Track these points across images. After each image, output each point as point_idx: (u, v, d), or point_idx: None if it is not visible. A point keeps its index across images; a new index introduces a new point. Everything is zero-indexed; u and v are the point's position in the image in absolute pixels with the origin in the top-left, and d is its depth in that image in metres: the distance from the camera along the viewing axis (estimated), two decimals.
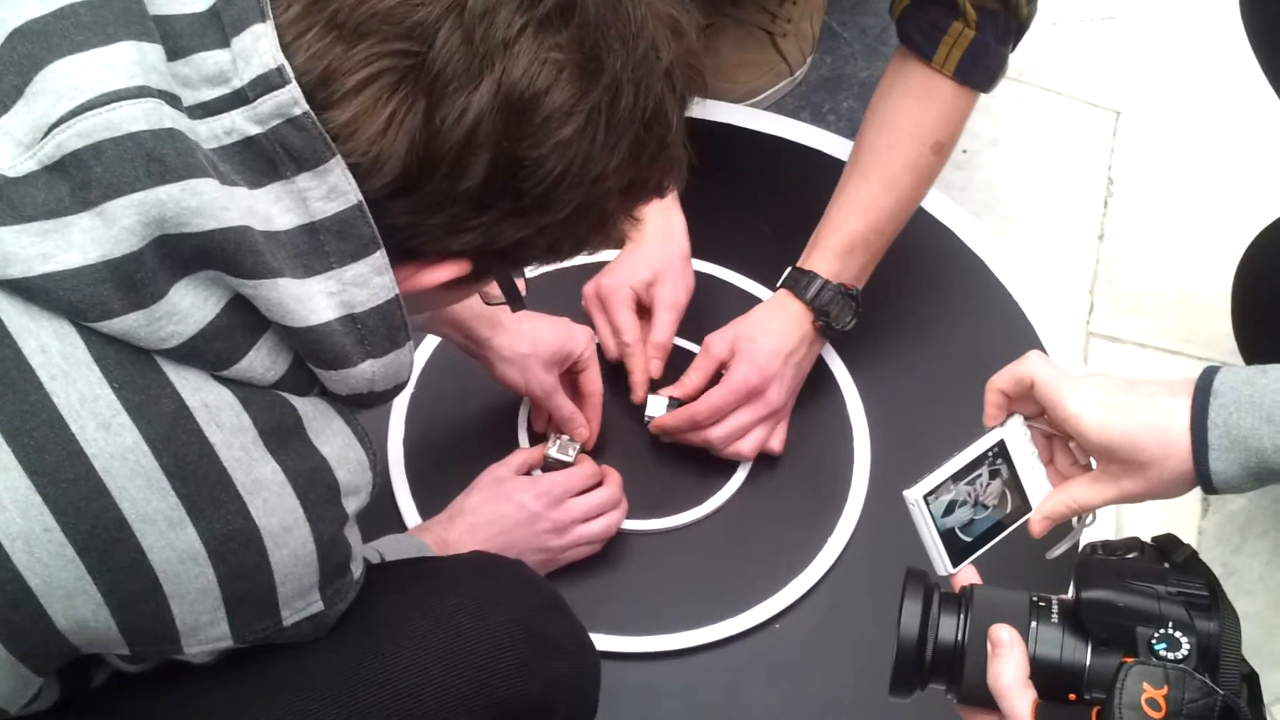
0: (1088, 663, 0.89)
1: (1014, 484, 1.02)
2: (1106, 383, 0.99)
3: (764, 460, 1.49)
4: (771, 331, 1.45)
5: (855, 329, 1.49)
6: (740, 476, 1.49)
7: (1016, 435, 1.02)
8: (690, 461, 1.49)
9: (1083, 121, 1.93)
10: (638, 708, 1.36)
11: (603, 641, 1.37)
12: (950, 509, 0.99)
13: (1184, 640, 0.86)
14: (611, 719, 1.33)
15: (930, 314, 1.66)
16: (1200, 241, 1.79)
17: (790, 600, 1.41)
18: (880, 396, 1.56)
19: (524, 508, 1.34)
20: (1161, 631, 0.86)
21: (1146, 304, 1.75)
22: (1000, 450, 1.01)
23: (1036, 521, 1.02)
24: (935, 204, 1.74)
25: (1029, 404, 1.02)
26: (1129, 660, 0.85)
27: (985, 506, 1.01)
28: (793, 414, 1.50)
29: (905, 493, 0.98)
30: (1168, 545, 0.93)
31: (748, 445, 1.46)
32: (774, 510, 1.48)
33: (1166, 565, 0.91)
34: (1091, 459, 1.02)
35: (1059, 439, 1.04)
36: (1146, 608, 0.88)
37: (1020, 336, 1.63)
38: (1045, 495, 1.03)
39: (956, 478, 0.99)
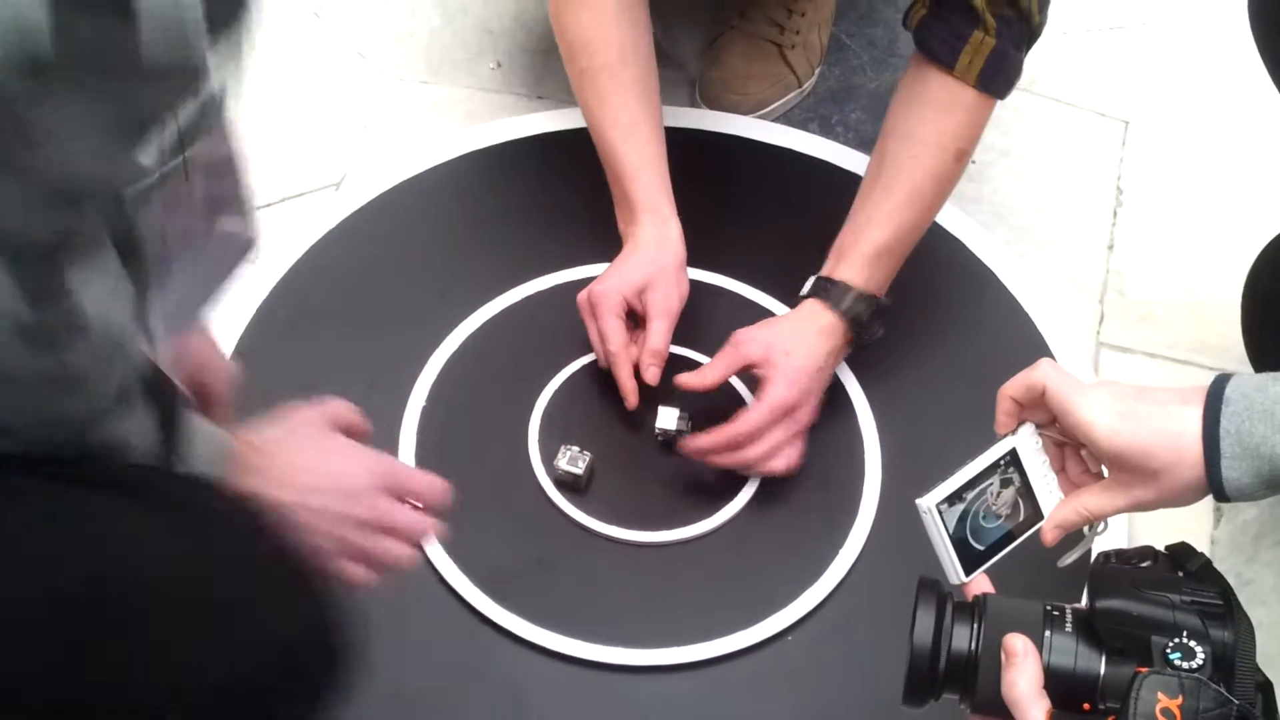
0: (1102, 672, 0.88)
1: (1026, 492, 1.02)
2: (1118, 390, 0.98)
3: None
4: (807, 347, 1.44)
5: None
6: (751, 488, 1.49)
7: (1028, 443, 1.02)
8: (700, 473, 1.49)
9: (1092, 131, 1.93)
10: None
11: (615, 655, 1.37)
12: (962, 518, 0.99)
13: (1199, 649, 0.85)
14: None
15: (940, 325, 1.65)
16: (1210, 251, 1.79)
17: (803, 612, 1.41)
18: (891, 407, 1.56)
19: (343, 478, 1.09)
20: (1176, 641, 0.86)
21: (1157, 314, 1.74)
22: (1012, 458, 1.01)
23: (1048, 530, 1.02)
24: (945, 215, 1.74)
25: (1040, 412, 1.02)
26: (1143, 670, 0.84)
27: (997, 515, 1.01)
28: None
29: (918, 501, 0.98)
30: (1181, 554, 0.93)
31: (781, 462, 1.44)
32: (786, 521, 1.48)
33: (1180, 574, 0.91)
34: (1103, 467, 1.02)
35: (1070, 447, 1.04)
36: (1161, 617, 0.87)
37: (1030, 347, 1.63)
38: (1057, 504, 1.03)
39: (969, 486, 0.99)
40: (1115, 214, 1.85)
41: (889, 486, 1.50)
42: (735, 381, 1.50)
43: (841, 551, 1.45)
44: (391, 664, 1.36)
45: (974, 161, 1.85)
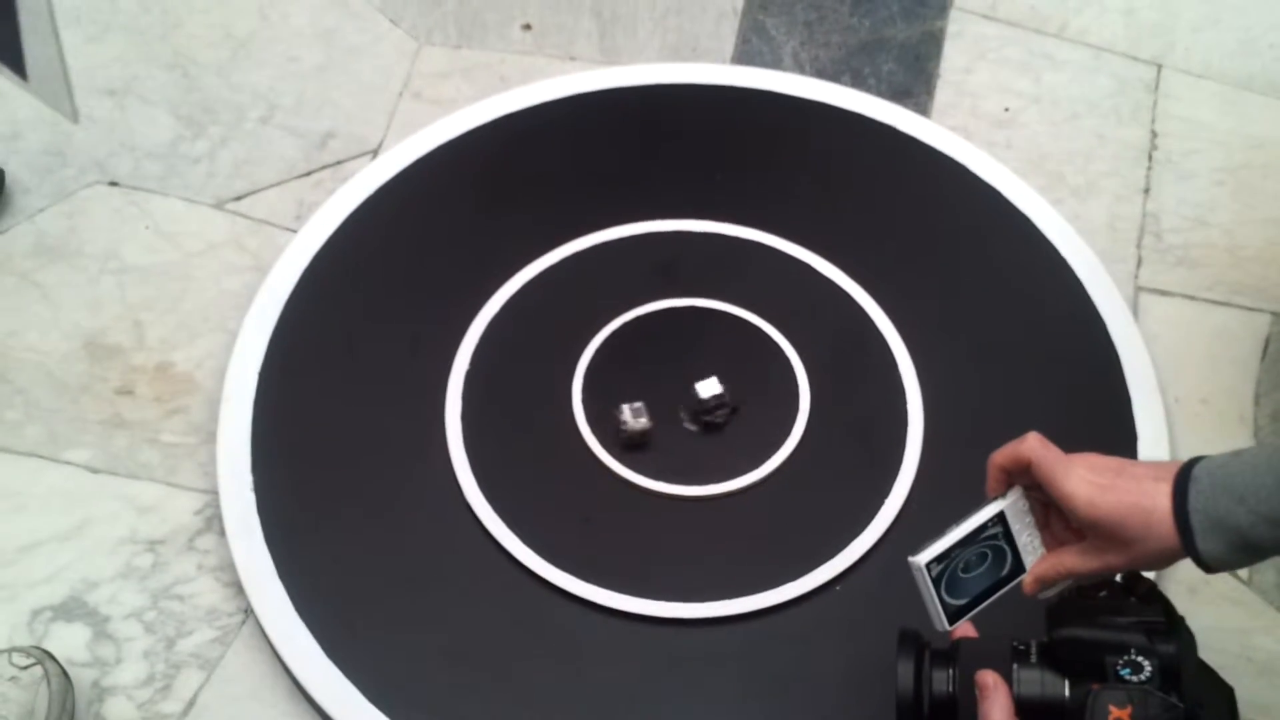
0: (1067, 695, 0.96)
1: (1011, 549, 1.07)
2: (1099, 464, 1.03)
3: (819, 422, 1.51)
4: None
5: (903, 291, 1.49)
6: (794, 441, 1.50)
7: (1015, 505, 1.07)
8: (744, 426, 1.50)
9: (1125, 76, 1.93)
10: (701, 673, 1.38)
11: (665, 608, 1.39)
12: (952, 572, 1.04)
13: (1146, 663, 0.94)
14: (675, 685, 1.36)
15: (978, 274, 1.66)
16: (1248, 192, 1.79)
17: (849, 562, 1.43)
18: (931, 358, 1.57)
19: None
20: (1125, 657, 0.94)
21: (1194, 256, 1.74)
22: (1000, 519, 1.06)
23: (1029, 583, 1.07)
24: (979, 163, 1.75)
25: (1027, 477, 1.06)
26: (1097, 686, 0.93)
27: (983, 570, 1.06)
28: (846, 374, 1.51)
29: (910, 559, 1.03)
30: (1132, 580, 1.01)
31: None
32: (830, 473, 1.50)
33: (1132, 599, 0.99)
34: None
35: (1054, 507, 1.08)
36: (1110, 638, 0.96)
37: (1069, 294, 1.63)
38: (1039, 559, 1.08)
39: (959, 544, 1.04)
40: (1150, 157, 1.84)
41: (930, 436, 1.51)
42: (786, 345, 1.51)
43: (887, 501, 1.47)
44: (445, 624, 1.39)
45: (1006, 109, 1.85)
